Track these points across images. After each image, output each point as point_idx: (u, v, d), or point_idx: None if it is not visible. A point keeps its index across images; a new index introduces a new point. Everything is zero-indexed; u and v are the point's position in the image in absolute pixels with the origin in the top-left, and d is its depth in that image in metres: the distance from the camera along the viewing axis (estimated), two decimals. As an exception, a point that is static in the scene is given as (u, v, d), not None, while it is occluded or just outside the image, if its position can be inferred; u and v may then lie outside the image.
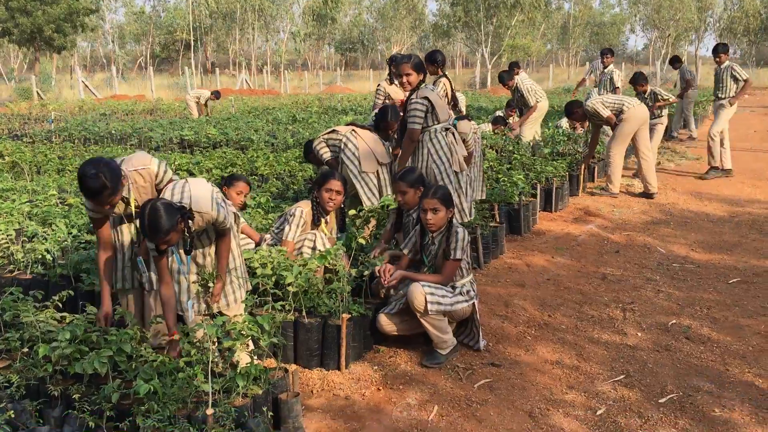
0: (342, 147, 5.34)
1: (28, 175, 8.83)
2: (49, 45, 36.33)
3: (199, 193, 3.27)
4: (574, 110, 8.02)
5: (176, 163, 8.80)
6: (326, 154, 5.46)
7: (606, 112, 7.58)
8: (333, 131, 5.48)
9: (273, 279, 3.73)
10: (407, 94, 5.17)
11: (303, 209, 4.25)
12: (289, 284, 3.62)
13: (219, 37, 65.75)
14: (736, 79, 9.06)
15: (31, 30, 34.25)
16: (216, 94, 17.44)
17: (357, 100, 25.21)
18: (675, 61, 13.64)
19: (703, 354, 3.76)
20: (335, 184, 4.24)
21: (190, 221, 3.10)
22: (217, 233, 3.42)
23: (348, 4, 77.01)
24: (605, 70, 10.60)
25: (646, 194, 7.89)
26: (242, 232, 4.35)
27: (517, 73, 9.73)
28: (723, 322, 4.22)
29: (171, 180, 3.52)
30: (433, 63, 6.71)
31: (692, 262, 5.48)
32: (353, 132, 5.37)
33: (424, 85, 5.15)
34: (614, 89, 10.38)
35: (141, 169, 3.41)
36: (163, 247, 3.09)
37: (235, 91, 35.04)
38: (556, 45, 75.45)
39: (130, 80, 49.39)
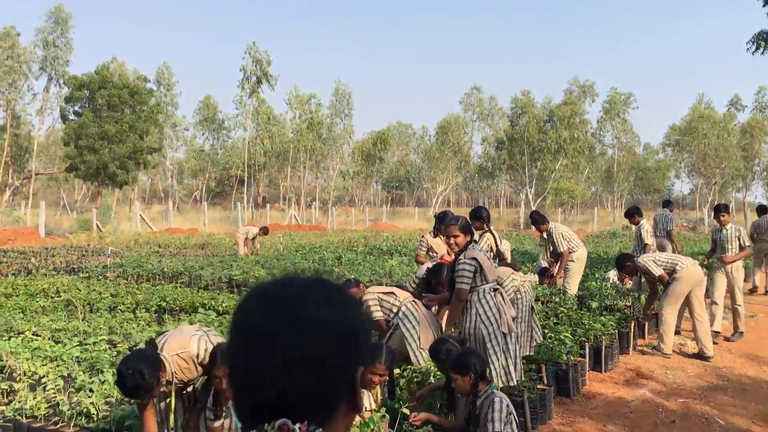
0: (401, 316, 5.40)
1: (81, 313, 9.05)
2: (113, 180, 38.37)
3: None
4: (626, 264, 7.97)
5: (224, 304, 8.97)
6: (377, 312, 5.51)
7: (658, 271, 7.49)
8: (391, 293, 5.56)
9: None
10: (454, 254, 5.26)
11: None
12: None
13: (271, 173, 68.61)
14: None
15: (97, 166, 36.34)
16: (264, 231, 17.95)
17: (402, 239, 25.57)
18: (761, 211, 13.45)
19: None
20: (380, 368, 4.17)
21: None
22: None
23: (396, 145, 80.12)
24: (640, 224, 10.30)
25: (702, 356, 7.60)
26: None
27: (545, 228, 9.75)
28: None
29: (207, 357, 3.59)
30: (479, 219, 6.86)
31: (755, 437, 5.18)
32: (414, 303, 5.45)
33: (471, 245, 5.23)
34: (644, 246, 9.92)
35: (182, 353, 3.51)
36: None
37: (284, 227, 36.03)
38: (600, 188, 76.20)
39: (185, 212, 51.41)
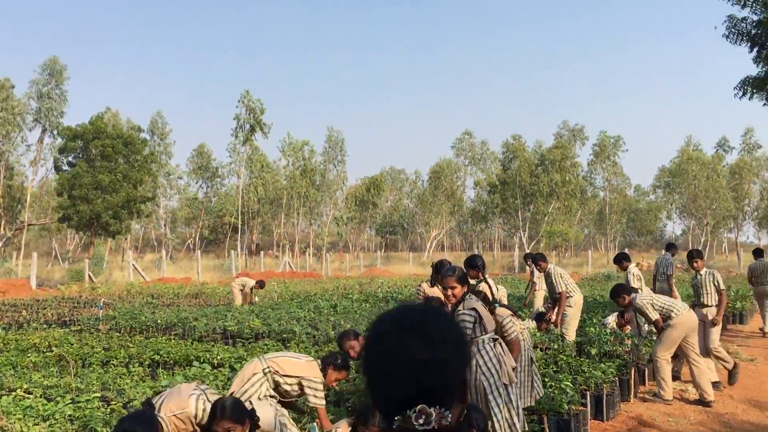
0: None
1: (73, 368, 8.91)
2: (105, 230, 38.31)
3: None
4: (621, 295, 7.90)
5: (219, 357, 8.85)
6: None
7: (654, 315, 7.48)
8: None
9: None
10: (451, 306, 5.22)
11: (342, 431, 4.17)
12: None
13: (265, 220, 68.72)
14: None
15: (90, 216, 36.30)
16: (261, 284, 17.86)
17: (397, 285, 25.47)
18: (757, 254, 13.54)
19: None
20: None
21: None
22: None
23: (389, 191, 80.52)
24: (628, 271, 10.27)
25: (703, 402, 7.52)
26: None
27: (545, 267, 9.88)
28: None
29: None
30: (474, 268, 6.83)
31: (762, 487, 5.09)
32: None
33: (468, 295, 5.20)
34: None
35: (179, 413, 3.48)
36: None
37: (278, 274, 35.90)
38: (593, 230, 76.53)
39: (177, 261, 51.20)
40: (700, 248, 10.35)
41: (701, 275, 8.88)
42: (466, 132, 77.81)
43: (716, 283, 8.75)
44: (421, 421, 1.27)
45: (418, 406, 1.27)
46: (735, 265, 42.72)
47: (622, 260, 10.51)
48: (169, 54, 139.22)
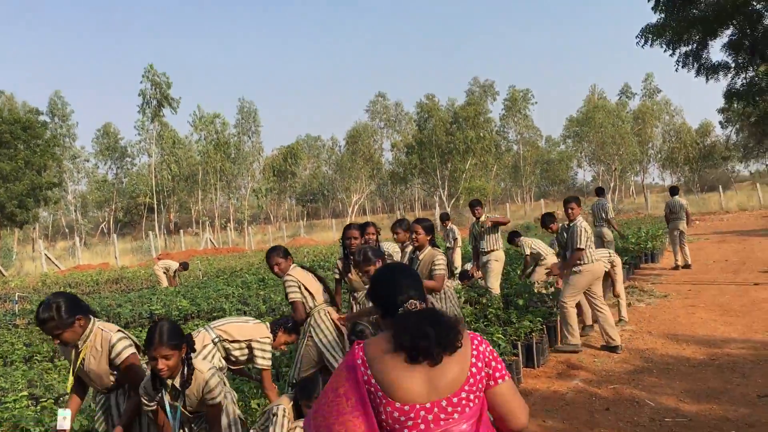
0: (312, 324, 5.44)
1: (-6, 368, 8.51)
2: (11, 220, 36.38)
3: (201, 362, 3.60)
4: (550, 226, 8.93)
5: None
6: (296, 295, 5.48)
7: (584, 244, 7.60)
8: (309, 293, 5.49)
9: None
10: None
11: (284, 407, 4.19)
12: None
13: (181, 198, 66.90)
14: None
15: (-7, 207, 34.39)
16: (184, 266, 17.47)
17: (323, 253, 25.49)
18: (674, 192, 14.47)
19: None
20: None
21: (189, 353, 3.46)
22: (207, 418, 3.48)
23: (307, 159, 79.82)
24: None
25: (609, 347, 7.73)
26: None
27: (481, 213, 10.21)
28: (728, 484, 4.14)
29: (126, 362, 3.70)
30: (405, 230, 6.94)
31: (683, 414, 5.45)
32: (326, 313, 5.48)
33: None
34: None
35: (104, 332, 3.54)
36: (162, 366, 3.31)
37: (200, 252, 35.17)
38: (509, 183, 78.56)
39: (92, 246, 49.31)
40: (574, 195, 10.61)
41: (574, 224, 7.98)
42: (379, 94, 77.84)
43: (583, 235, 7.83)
44: (412, 308, 2.18)
45: (410, 300, 2.21)
46: (643, 206, 44.93)
47: (513, 237, 11.18)
48: (64, 31, 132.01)
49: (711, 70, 16.35)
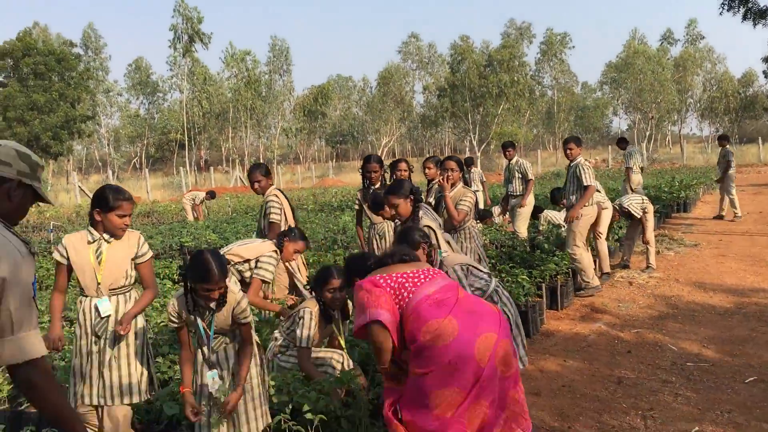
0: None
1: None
2: (46, 152, 36.97)
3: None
4: (562, 201, 8.73)
5: (178, 272, 8.82)
6: (276, 216, 5.88)
7: (593, 181, 7.87)
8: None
9: (290, 407, 3.66)
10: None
11: (311, 309, 4.23)
12: (306, 412, 3.56)
13: (212, 135, 67.20)
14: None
15: (29, 138, 34.89)
16: (211, 195, 17.66)
17: (351, 195, 25.54)
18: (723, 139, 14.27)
19: (731, 466, 3.68)
20: (335, 283, 4.26)
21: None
22: (242, 336, 3.53)
23: (337, 99, 79.27)
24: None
25: (589, 288, 7.76)
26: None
27: (513, 155, 10.12)
28: (746, 427, 4.15)
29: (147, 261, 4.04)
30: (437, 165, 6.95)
31: (705, 360, 5.44)
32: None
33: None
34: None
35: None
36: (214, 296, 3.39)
37: (230, 189, 35.50)
38: (542, 130, 77.32)
39: (125, 181, 50.04)
40: (575, 135, 10.23)
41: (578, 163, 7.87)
42: (412, 35, 76.37)
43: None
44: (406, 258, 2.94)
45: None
46: (678, 157, 44.03)
47: (537, 213, 10.70)
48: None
49: (758, 15, 15.68)
